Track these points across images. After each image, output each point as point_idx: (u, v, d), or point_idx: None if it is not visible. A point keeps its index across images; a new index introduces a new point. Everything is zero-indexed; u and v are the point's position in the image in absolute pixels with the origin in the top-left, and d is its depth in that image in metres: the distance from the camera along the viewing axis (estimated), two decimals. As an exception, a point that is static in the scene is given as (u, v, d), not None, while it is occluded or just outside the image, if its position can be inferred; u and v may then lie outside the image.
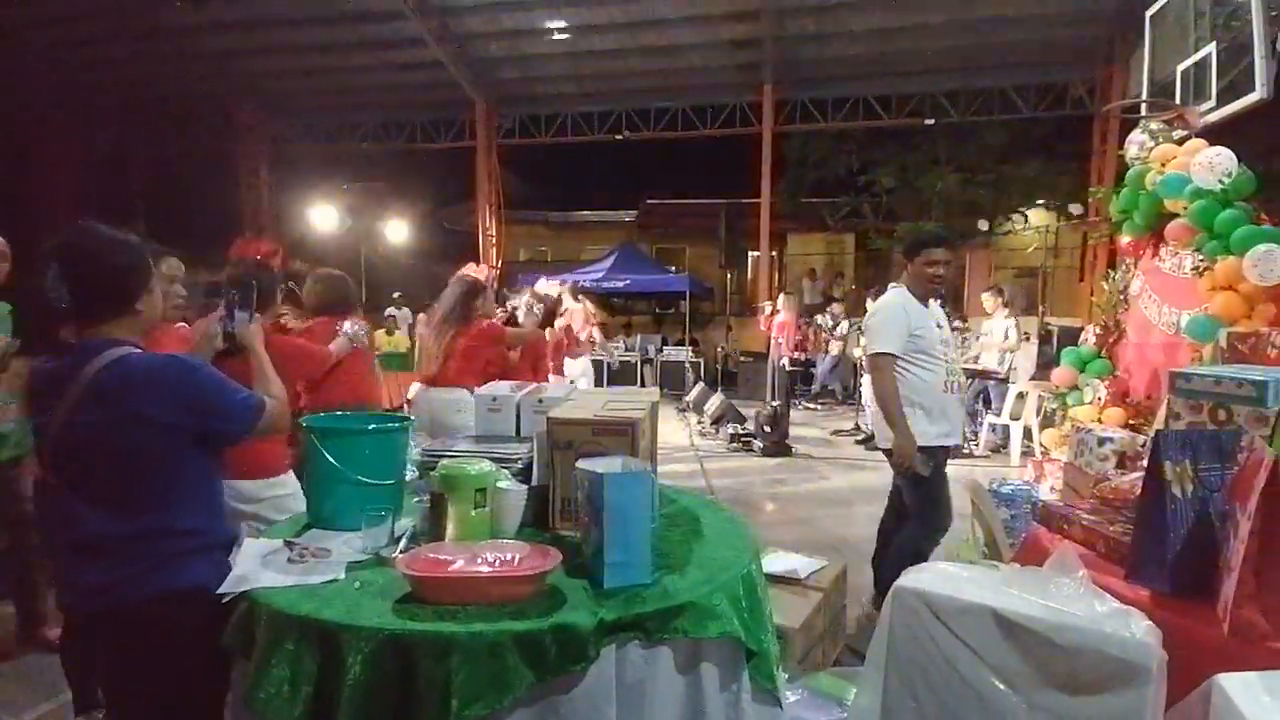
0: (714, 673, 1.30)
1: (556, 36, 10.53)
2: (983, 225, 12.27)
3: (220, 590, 1.30)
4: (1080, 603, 1.15)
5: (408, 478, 1.75)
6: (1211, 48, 4.68)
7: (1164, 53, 5.45)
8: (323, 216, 12.62)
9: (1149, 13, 5.75)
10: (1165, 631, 1.23)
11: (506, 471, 1.61)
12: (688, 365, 11.11)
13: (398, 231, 14.56)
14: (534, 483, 1.64)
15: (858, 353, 9.23)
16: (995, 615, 1.14)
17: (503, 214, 12.87)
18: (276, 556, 1.41)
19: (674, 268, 15.77)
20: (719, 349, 12.71)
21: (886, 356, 2.84)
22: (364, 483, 1.55)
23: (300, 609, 1.22)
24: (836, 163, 14.99)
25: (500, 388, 2.00)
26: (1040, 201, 13.19)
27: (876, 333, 2.89)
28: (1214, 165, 3.62)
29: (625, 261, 13.89)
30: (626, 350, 11.72)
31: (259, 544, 1.48)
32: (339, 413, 1.89)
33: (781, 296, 9.54)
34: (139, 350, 1.43)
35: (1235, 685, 0.97)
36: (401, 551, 1.41)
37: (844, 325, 10.13)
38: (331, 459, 1.52)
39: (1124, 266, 4.81)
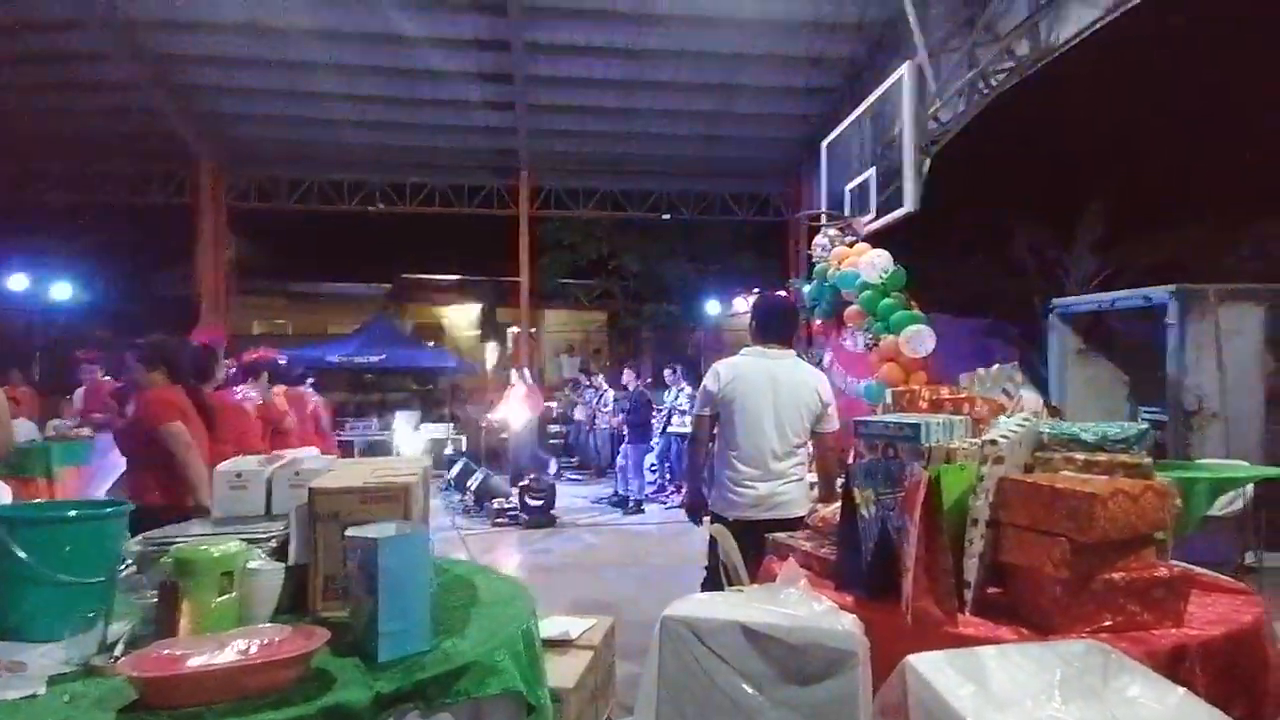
0: (496, 733, 1.28)
1: (303, 103, 9.98)
2: (714, 308, 13.97)
3: None
4: (803, 606, 1.38)
5: (123, 573, 1.47)
6: (871, 172, 6.08)
7: (838, 173, 6.92)
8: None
9: (825, 142, 7.29)
10: (868, 628, 1.50)
11: (258, 550, 1.45)
12: (449, 442, 10.71)
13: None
14: (291, 562, 1.50)
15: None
16: (743, 628, 1.32)
17: (232, 282, 11.49)
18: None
19: (432, 343, 15.29)
20: (482, 425, 12.47)
21: None
22: (66, 581, 1.28)
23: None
24: (589, 247, 16.12)
25: (246, 462, 1.80)
26: (756, 290, 15.56)
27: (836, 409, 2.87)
28: (875, 264, 4.63)
29: (379, 336, 13.15)
30: (381, 429, 10.97)
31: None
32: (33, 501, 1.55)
33: (512, 371, 9.69)
34: None
35: (923, 663, 1.20)
36: (117, 658, 1.19)
37: (609, 398, 10.56)
38: (24, 555, 1.23)
39: (818, 343, 5.84)
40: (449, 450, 10.29)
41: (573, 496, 8.87)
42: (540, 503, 7.22)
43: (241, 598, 1.34)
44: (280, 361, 5.11)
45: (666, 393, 8.83)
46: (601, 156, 11.61)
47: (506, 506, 7.37)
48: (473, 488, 7.94)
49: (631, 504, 7.98)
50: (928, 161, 5.74)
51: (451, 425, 11.70)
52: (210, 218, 10.99)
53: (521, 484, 7.49)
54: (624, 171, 11.99)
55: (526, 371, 9.79)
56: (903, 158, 5.54)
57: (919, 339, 4.30)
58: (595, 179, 12.10)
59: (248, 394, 4.10)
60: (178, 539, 1.50)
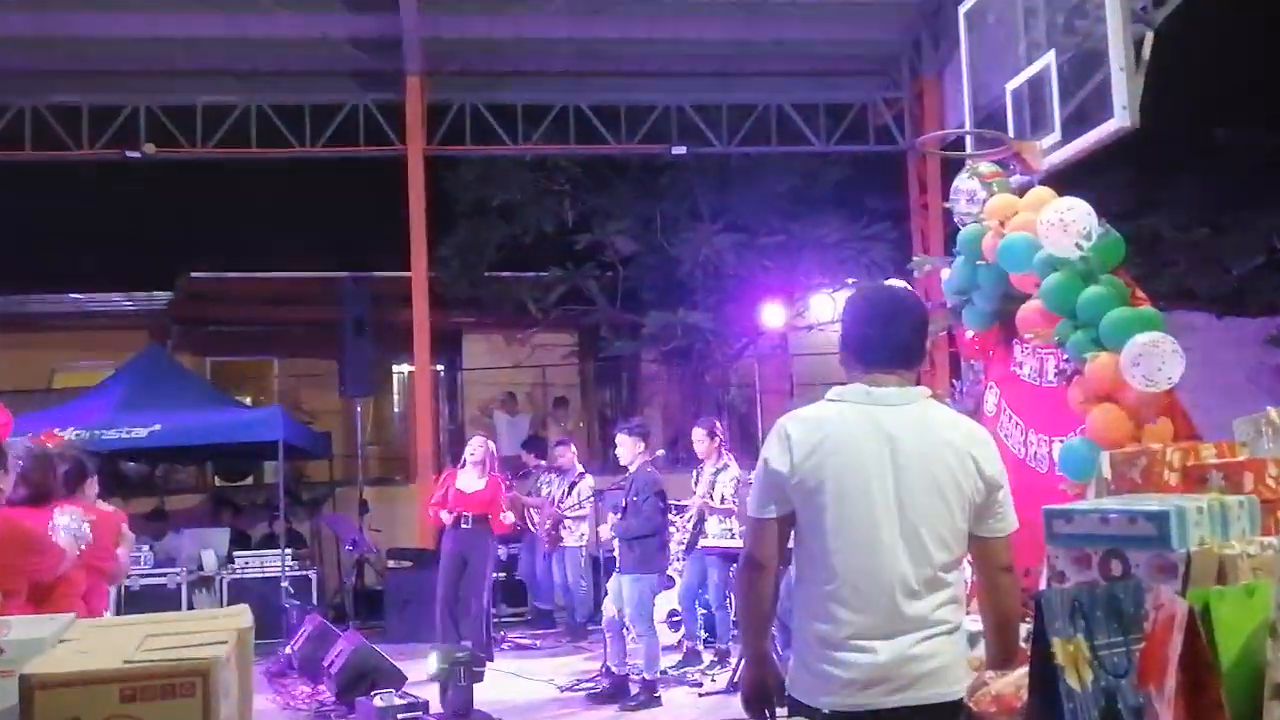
0: None
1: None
2: (774, 316, 14.02)
3: None
4: None
5: None
6: (1050, 57, 6.11)
7: (988, 64, 6.97)
8: None
9: (963, 9, 7.35)
10: None
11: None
12: (286, 585, 10.73)
13: None
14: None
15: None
16: None
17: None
18: None
19: (249, 399, 15.35)
20: (347, 549, 12.48)
21: None
22: None
23: None
24: (540, 213, 16.07)
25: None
26: (850, 280, 15.52)
27: None
28: (1067, 224, 4.64)
29: (150, 390, 13.19)
30: (160, 561, 11.01)
31: None
32: None
33: (474, 441, 9.72)
34: None
35: None
36: None
37: (585, 489, 10.47)
38: None
39: (970, 374, 5.85)
40: (289, 603, 10.30)
41: (525, 678, 8.81)
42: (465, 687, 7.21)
43: None
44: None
45: (696, 475, 8.84)
46: (557, 48, 11.72)
47: (399, 703, 7.34)
48: (336, 673, 7.92)
49: (637, 691, 7.93)
50: (1151, 39, 5.81)
51: (291, 552, 11.71)
52: None
53: (443, 658, 7.45)
54: (598, 73, 12.10)
55: (491, 444, 9.77)
56: (1106, 33, 5.60)
57: (1156, 358, 4.31)
58: (545, 87, 12.19)
59: (70, 524, 4.05)
60: None
